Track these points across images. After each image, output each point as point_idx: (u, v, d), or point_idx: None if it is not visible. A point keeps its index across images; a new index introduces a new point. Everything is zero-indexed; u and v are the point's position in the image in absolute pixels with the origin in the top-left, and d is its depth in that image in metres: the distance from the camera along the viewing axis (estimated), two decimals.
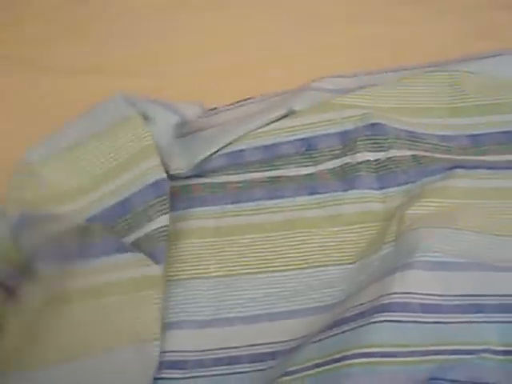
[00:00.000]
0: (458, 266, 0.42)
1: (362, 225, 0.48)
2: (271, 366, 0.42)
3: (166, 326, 0.44)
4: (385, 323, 0.39)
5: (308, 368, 0.40)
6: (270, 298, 0.45)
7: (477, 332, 0.40)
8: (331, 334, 0.41)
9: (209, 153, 0.50)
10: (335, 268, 0.46)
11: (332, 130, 0.51)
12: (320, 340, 0.41)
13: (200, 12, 0.62)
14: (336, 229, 0.48)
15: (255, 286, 0.46)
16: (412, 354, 0.38)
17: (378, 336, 0.38)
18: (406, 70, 0.56)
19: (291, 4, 0.63)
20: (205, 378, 0.42)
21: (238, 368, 0.42)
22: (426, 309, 0.40)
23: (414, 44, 0.59)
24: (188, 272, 0.46)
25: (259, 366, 0.42)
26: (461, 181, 0.48)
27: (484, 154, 0.51)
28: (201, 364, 0.42)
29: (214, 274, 0.46)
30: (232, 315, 0.44)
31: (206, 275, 0.46)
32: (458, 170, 0.48)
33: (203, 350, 0.43)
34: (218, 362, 0.43)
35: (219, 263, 0.47)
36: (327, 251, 0.47)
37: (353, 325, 0.40)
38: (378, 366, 0.38)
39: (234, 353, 0.43)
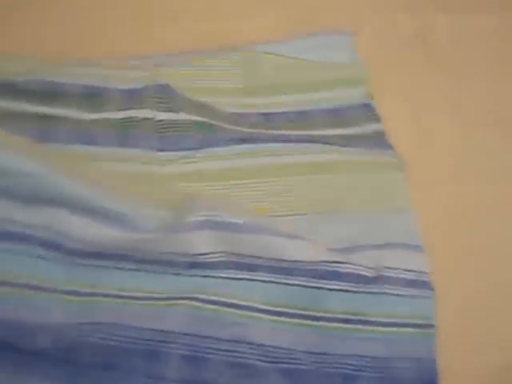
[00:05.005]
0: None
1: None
2: None
3: None
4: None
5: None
6: None
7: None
8: None
9: None
10: None
11: (120, 86, 0.52)
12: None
13: None
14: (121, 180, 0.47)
15: None
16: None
17: None
18: (204, 52, 0.57)
19: None
20: None
21: None
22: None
23: (237, 34, 0.61)
24: None
25: None
26: (249, 160, 0.49)
27: (276, 130, 0.53)
28: None
29: None
30: None
31: None
32: (246, 147, 0.50)
33: None
34: None
35: None
36: None
37: None
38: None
39: None
